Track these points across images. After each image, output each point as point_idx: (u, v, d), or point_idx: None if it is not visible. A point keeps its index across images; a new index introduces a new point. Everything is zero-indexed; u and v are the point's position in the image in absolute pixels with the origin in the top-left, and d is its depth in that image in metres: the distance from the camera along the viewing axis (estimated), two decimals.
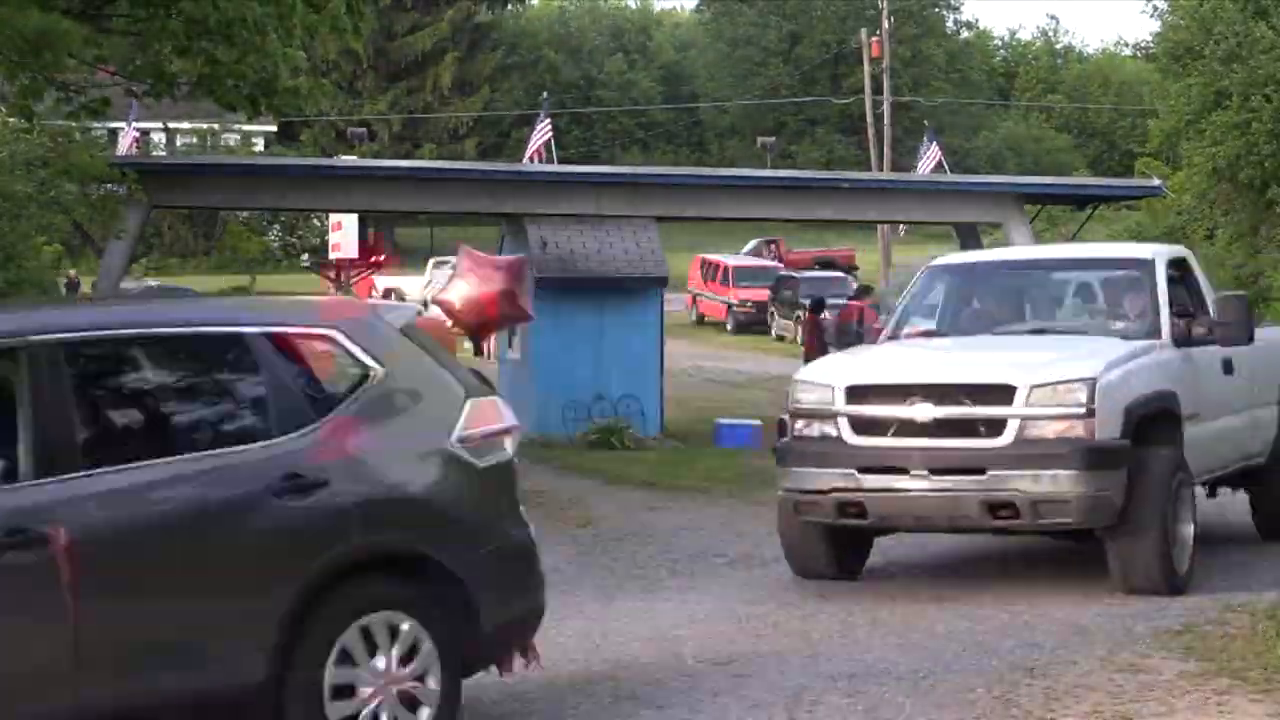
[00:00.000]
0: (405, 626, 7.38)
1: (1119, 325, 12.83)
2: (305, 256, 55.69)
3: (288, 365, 7.37)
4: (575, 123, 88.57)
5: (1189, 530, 11.87)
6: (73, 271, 28.52)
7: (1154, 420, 11.76)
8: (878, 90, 56.59)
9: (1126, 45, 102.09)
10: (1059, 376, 11.38)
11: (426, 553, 7.50)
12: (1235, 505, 14.77)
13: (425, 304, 21.48)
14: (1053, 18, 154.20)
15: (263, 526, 7.02)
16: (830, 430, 11.63)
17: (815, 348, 25.22)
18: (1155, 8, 49.12)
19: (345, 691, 7.19)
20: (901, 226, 44.95)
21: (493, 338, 40.33)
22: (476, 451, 7.76)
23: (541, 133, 39.96)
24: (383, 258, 52.07)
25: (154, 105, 21.19)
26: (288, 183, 24.75)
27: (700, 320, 52.53)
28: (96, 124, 21.33)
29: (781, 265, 55.04)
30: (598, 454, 20.91)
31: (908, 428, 11.41)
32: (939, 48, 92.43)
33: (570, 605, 11.49)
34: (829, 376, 11.98)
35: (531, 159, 38.44)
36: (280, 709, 7.01)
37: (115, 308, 8.29)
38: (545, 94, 52.19)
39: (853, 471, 11.53)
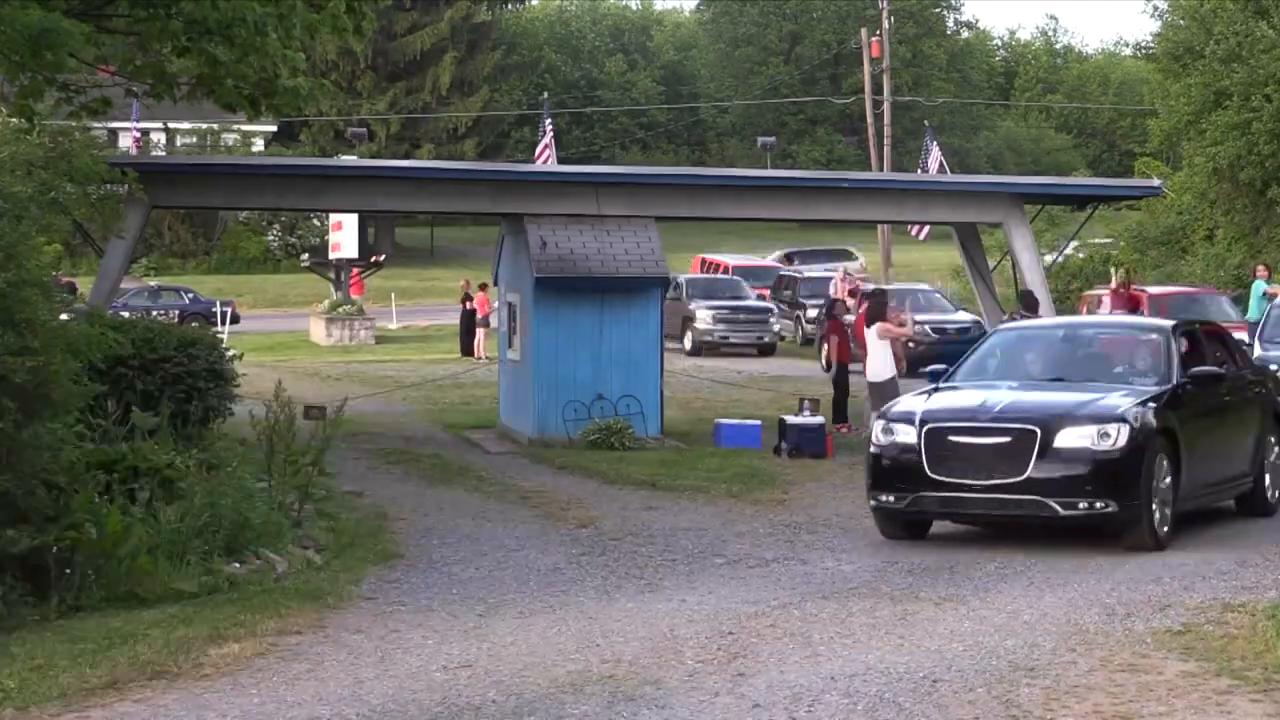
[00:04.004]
0: None
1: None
2: (305, 256, 55.64)
3: None
4: (575, 123, 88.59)
5: None
6: (60, 273, 28.37)
7: None
8: (878, 90, 56.58)
9: (1126, 45, 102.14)
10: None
11: None
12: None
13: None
14: (1052, 18, 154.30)
15: None
16: None
17: (847, 352, 24.72)
18: (1155, 8, 49.09)
19: None
20: (919, 228, 44.80)
21: (484, 337, 40.52)
22: None
23: (547, 135, 40.12)
24: (382, 257, 52.12)
25: (154, 105, 21.18)
26: (288, 183, 24.70)
27: None
28: (96, 124, 21.30)
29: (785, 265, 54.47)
30: (597, 454, 20.89)
31: None
32: (939, 48, 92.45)
33: (570, 605, 11.50)
34: None
35: (543, 161, 38.57)
36: None
37: None
38: (545, 94, 52.25)
39: None
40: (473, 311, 41.41)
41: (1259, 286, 30.88)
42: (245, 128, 64.65)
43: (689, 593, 11.98)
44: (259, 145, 69.43)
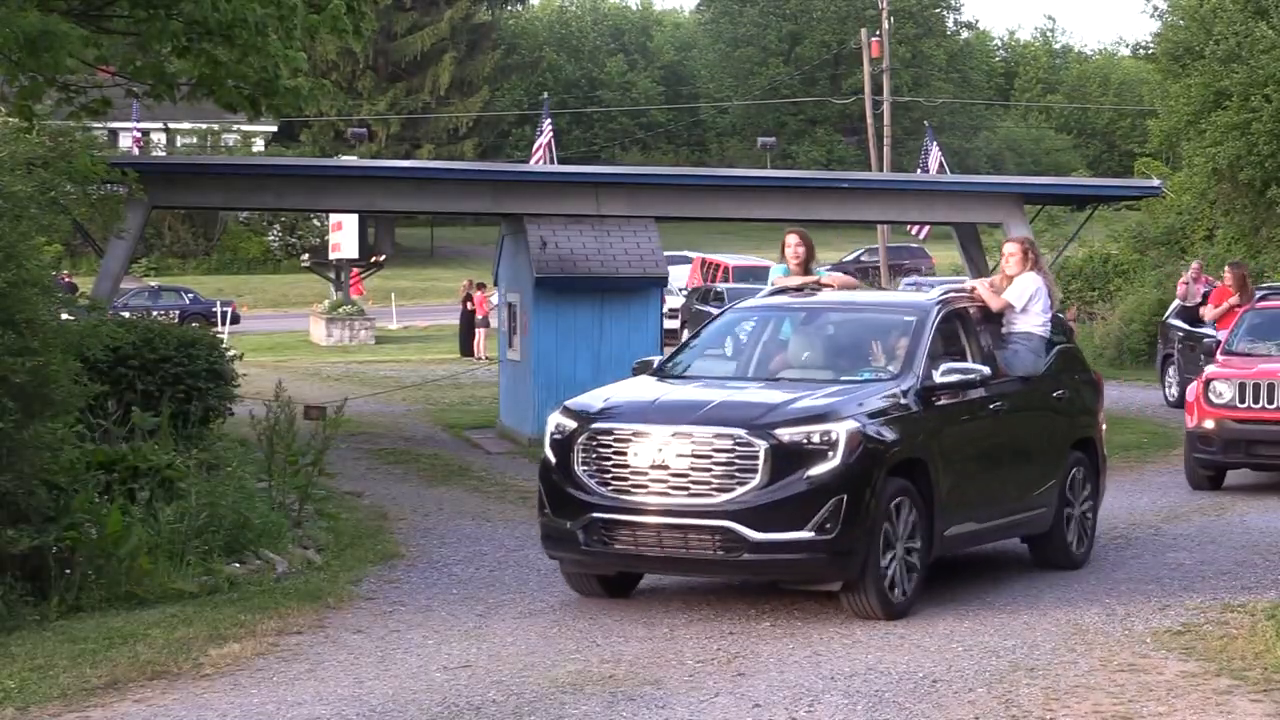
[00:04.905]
0: None
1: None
2: (305, 257, 55.69)
3: None
4: (575, 123, 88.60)
5: None
6: (64, 273, 28.52)
7: None
8: (878, 90, 56.55)
9: (1126, 45, 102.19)
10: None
11: None
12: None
13: None
14: (1050, 18, 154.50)
15: None
16: None
17: None
18: (1155, 8, 49.06)
19: None
20: (919, 228, 44.84)
21: (484, 337, 40.55)
22: None
23: (544, 134, 40.07)
24: (383, 257, 52.17)
25: (154, 105, 21.18)
26: (288, 183, 24.67)
27: None
28: (96, 124, 21.29)
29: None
30: None
31: None
32: (939, 48, 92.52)
33: (570, 605, 11.49)
34: None
35: (539, 161, 38.54)
36: None
37: None
38: (545, 94, 52.23)
39: None
40: (473, 311, 41.45)
41: None
42: (245, 128, 64.67)
43: (689, 592, 11.97)
44: (259, 145, 69.46)
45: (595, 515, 10.97)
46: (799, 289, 13.30)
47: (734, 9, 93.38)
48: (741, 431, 10.69)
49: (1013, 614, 11.08)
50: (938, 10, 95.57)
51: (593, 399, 11.71)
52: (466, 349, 41.29)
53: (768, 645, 10.15)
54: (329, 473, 15.92)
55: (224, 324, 45.98)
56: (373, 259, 51.02)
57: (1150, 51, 49.52)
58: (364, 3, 17.51)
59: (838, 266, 52.05)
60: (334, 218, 49.69)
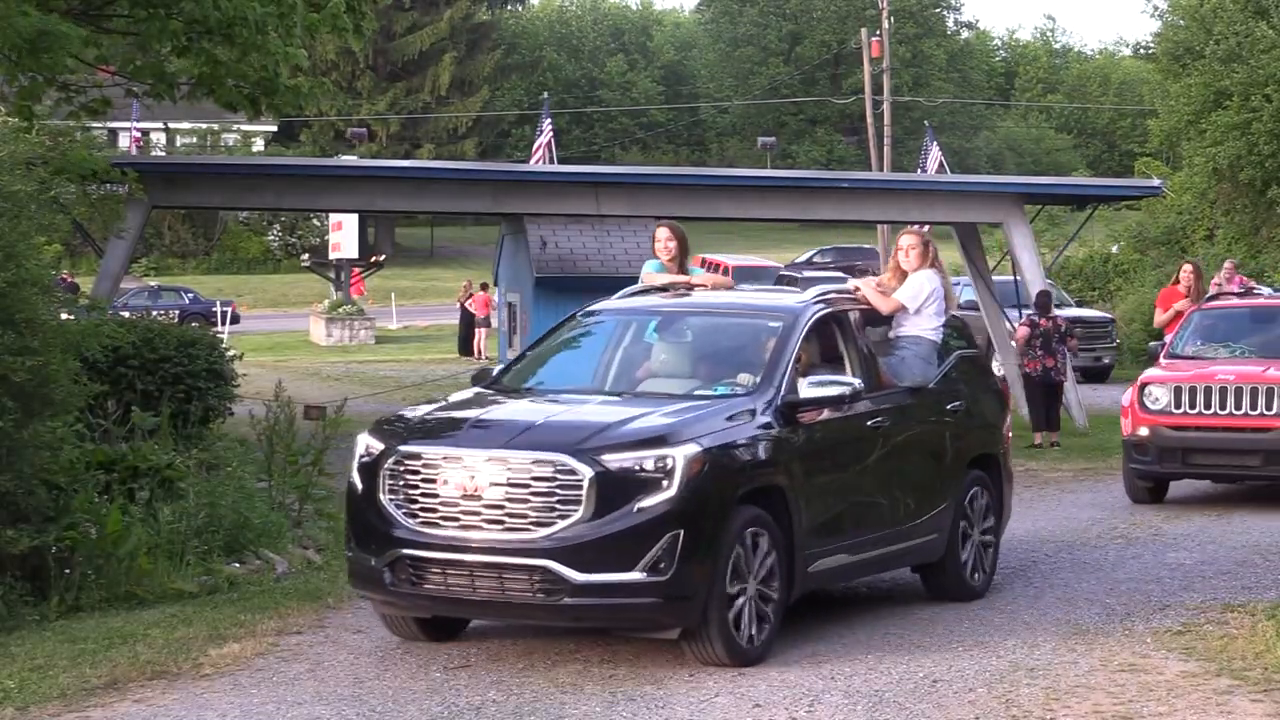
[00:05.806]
0: None
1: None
2: (305, 256, 55.72)
3: None
4: (575, 123, 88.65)
5: None
6: (65, 273, 28.59)
7: None
8: (878, 90, 56.57)
9: (1126, 45, 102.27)
10: None
11: None
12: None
13: None
14: (1050, 18, 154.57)
15: None
16: None
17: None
18: (1155, 8, 49.11)
19: None
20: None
21: (484, 337, 40.59)
22: None
23: (544, 134, 40.08)
24: (382, 257, 52.21)
25: (154, 105, 21.20)
26: (288, 183, 24.70)
27: None
28: (96, 124, 21.30)
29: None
30: None
31: None
32: (939, 48, 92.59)
33: None
34: None
35: (539, 161, 38.56)
36: None
37: None
38: (545, 94, 52.27)
39: None
40: (473, 311, 41.49)
41: None
42: (245, 128, 64.73)
43: None
44: (259, 145, 69.52)
45: (402, 551, 9.57)
46: (664, 289, 11.90)
47: (734, 9, 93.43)
48: (563, 457, 9.26)
49: (1013, 614, 11.08)
50: (938, 10, 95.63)
51: (408, 415, 10.40)
52: (466, 349, 41.32)
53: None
54: (329, 473, 15.88)
55: (224, 324, 45.99)
56: (373, 259, 51.07)
57: (1150, 51, 49.58)
58: (364, 2, 17.52)
59: (791, 268, 52.01)
60: (334, 217, 49.74)
